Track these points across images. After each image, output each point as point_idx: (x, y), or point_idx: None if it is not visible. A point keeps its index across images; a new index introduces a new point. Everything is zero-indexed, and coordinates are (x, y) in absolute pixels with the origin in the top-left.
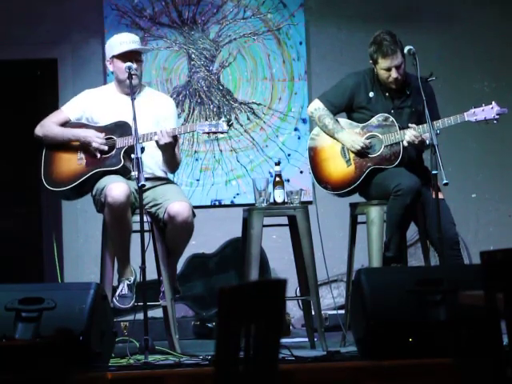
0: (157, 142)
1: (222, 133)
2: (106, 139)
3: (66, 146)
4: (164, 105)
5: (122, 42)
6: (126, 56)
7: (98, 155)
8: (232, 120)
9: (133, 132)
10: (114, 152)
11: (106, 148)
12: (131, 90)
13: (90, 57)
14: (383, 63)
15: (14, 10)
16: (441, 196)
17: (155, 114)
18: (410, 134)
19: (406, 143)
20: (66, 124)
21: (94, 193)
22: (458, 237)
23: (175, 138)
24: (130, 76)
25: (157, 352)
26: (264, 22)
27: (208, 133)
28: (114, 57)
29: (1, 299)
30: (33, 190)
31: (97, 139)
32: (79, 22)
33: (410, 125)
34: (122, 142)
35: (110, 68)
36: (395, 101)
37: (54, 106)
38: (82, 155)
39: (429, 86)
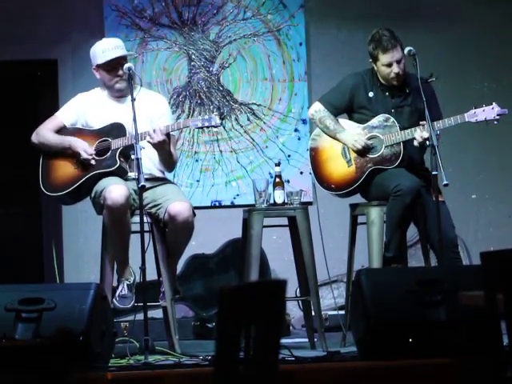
0: (149, 141)
1: (215, 126)
2: (101, 142)
3: (63, 151)
4: (157, 104)
5: (104, 49)
6: (109, 64)
7: (93, 162)
8: (224, 113)
9: (128, 132)
10: (109, 154)
11: (93, 163)
12: (131, 90)
13: (90, 58)
14: (384, 58)
15: (13, 10)
16: (441, 199)
17: (149, 114)
18: (420, 134)
19: (416, 143)
20: (61, 130)
21: (93, 195)
22: (457, 239)
23: (168, 136)
24: (129, 77)
25: (157, 352)
26: (264, 23)
27: (201, 127)
28: (98, 66)
29: (1, 299)
30: (33, 190)
31: (84, 154)
32: (79, 23)
33: (420, 122)
34: (116, 143)
35: (97, 75)
36: (395, 100)
37: (54, 106)
38: (78, 159)
39: (429, 85)
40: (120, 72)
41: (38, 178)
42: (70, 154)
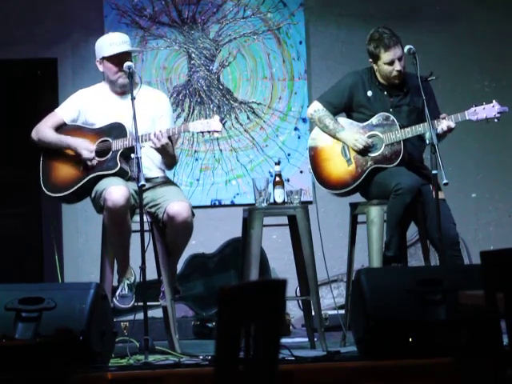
0: (152, 146)
1: (216, 132)
2: (102, 142)
3: (63, 150)
4: (159, 103)
5: (111, 43)
6: (116, 57)
7: (89, 164)
8: (225, 118)
9: (128, 133)
10: (110, 155)
11: (95, 163)
12: (131, 89)
13: (90, 56)
14: (387, 57)
15: (13, 9)
16: (442, 196)
17: (150, 112)
18: (445, 125)
19: (440, 130)
20: (61, 127)
21: (93, 195)
22: (458, 237)
23: (170, 138)
24: (129, 75)
25: (157, 352)
26: (264, 22)
27: (202, 132)
28: (103, 58)
29: (1, 299)
30: (33, 191)
31: (86, 152)
32: (79, 22)
33: (441, 116)
34: (117, 145)
35: (100, 68)
36: (393, 99)
37: (53, 106)
38: (79, 159)
39: (428, 84)
40: (124, 67)
41: (39, 178)
42: (71, 153)
